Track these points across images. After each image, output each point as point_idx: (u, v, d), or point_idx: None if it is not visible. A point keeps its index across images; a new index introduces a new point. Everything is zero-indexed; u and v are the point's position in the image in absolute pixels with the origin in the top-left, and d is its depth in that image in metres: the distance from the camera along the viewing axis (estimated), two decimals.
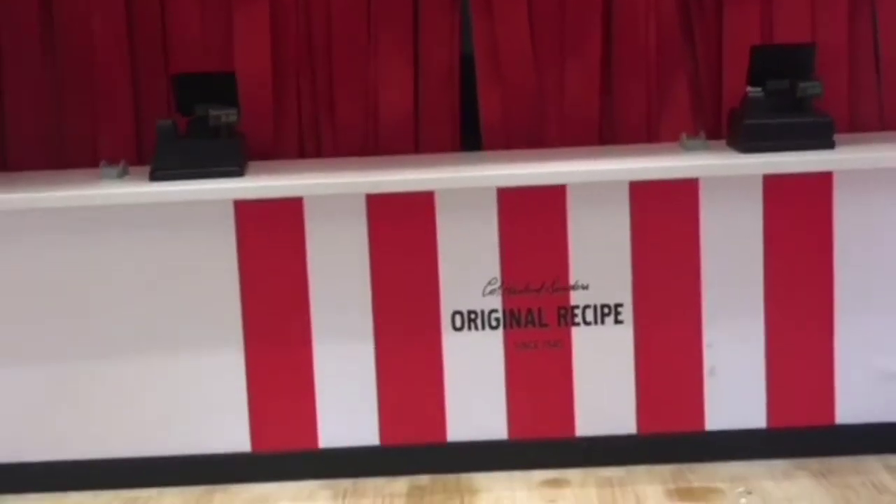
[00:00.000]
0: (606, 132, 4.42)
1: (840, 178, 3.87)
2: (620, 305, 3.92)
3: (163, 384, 3.92)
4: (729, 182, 3.89)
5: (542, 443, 3.97)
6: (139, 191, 3.84)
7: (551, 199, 3.89)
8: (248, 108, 4.11)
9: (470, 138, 4.46)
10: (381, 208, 3.88)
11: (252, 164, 4.09)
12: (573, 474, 3.91)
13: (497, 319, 3.92)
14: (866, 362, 3.92)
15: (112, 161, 4.07)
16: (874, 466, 3.85)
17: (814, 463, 3.89)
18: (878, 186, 3.87)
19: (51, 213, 3.83)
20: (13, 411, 3.93)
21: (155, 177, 3.90)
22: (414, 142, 4.42)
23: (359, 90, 4.39)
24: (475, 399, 3.95)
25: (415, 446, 3.97)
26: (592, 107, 4.39)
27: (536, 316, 3.92)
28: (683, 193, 3.89)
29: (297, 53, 4.40)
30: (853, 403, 3.93)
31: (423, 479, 3.92)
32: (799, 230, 3.90)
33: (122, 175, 4.01)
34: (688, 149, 4.06)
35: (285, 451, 3.96)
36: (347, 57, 4.38)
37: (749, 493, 3.67)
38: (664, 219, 3.91)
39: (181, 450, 3.94)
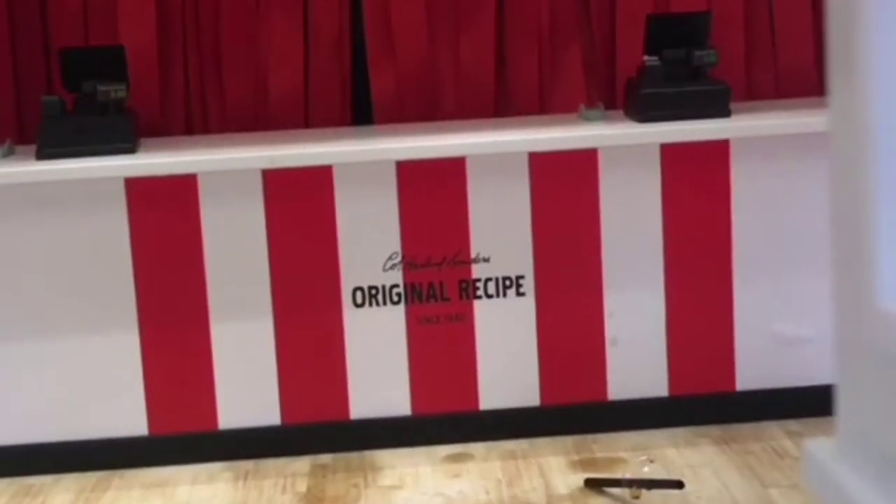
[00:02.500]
0: (501, 104, 4.40)
1: (736, 145, 3.90)
2: (522, 277, 3.90)
3: (54, 367, 3.81)
4: (627, 152, 3.89)
5: (446, 417, 3.95)
6: (29, 169, 3.73)
7: (451, 171, 3.86)
8: (133, 82, 4.00)
9: (360, 112, 4.40)
10: (277, 184, 3.81)
11: (143, 141, 3.98)
12: (477, 448, 3.90)
13: (398, 294, 3.88)
14: (765, 329, 3.95)
15: None
16: (775, 432, 3.89)
17: (715, 430, 3.92)
18: (775, 154, 3.90)
19: None
20: None
21: (42, 155, 3.78)
22: (304, 116, 4.35)
23: (247, 63, 4.32)
24: (377, 375, 3.91)
25: (317, 424, 3.92)
26: (487, 79, 4.36)
27: (438, 290, 3.89)
28: (582, 164, 3.88)
29: (183, 25, 4.31)
30: (753, 370, 3.96)
31: (326, 458, 3.88)
32: (697, 198, 3.91)
33: (8, 154, 3.89)
34: (586, 119, 4.05)
35: (184, 433, 3.88)
36: (235, 29, 4.30)
37: (651, 461, 3.68)
38: (564, 190, 3.90)
39: (76, 435, 3.84)
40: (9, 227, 3.75)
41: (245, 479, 3.77)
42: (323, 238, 3.84)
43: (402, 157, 3.85)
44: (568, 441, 3.89)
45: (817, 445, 1.34)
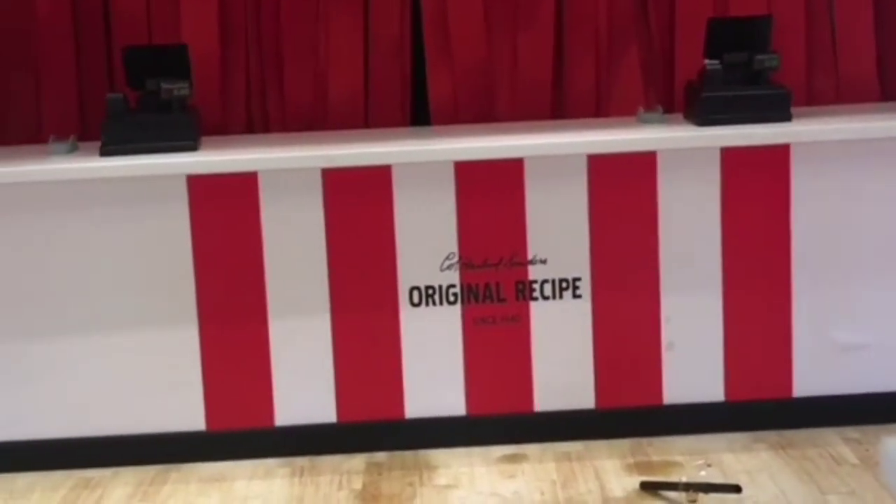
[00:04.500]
0: (558, 106, 4.40)
1: (797, 150, 3.87)
2: (578, 279, 3.90)
3: (115, 362, 3.85)
4: (686, 155, 3.88)
5: (501, 418, 3.95)
6: (93, 165, 3.78)
7: (509, 173, 3.86)
8: (195, 81, 4.03)
9: (416, 113, 4.42)
10: (336, 183, 3.83)
11: (204, 139, 4.02)
12: (532, 449, 3.90)
13: (455, 295, 3.89)
14: (823, 335, 3.93)
15: (60, 136, 3.99)
16: (832, 438, 3.87)
17: (772, 436, 3.90)
18: (835, 158, 3.87)
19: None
20: None
21: (106, 151, 3.82)
22: (363, 116, 4.37)
23: (308, 64, 4.35)
24: (433, 375, 3.92)
25: (372, 423, 3.93)
26: (545, 80, 4.37)
27: (494, 291, 3.89)
28: (641, 167, 3.88)
29: (245, 26, 4.35)
30: (810, 376, 3.94)
31: (381, 456, 3.89)
32: (756, 203, 3.90)
33: (72, 150, 3.94)
34: (645, 122, 4.06)
35: (241, 429, 3.91)
36: (296, 30, 4.34)
37: (708, 465, 3.68)
38: (622, 192, 3.89)
39: (135, 429, 3.87)
40: (71, 222, 3.79)
41: (301, 475, 3.79)
42: (381, 237, 3.86)
43: (461, 157, 3.86)
44: (623, 444, 3.89)
45: None
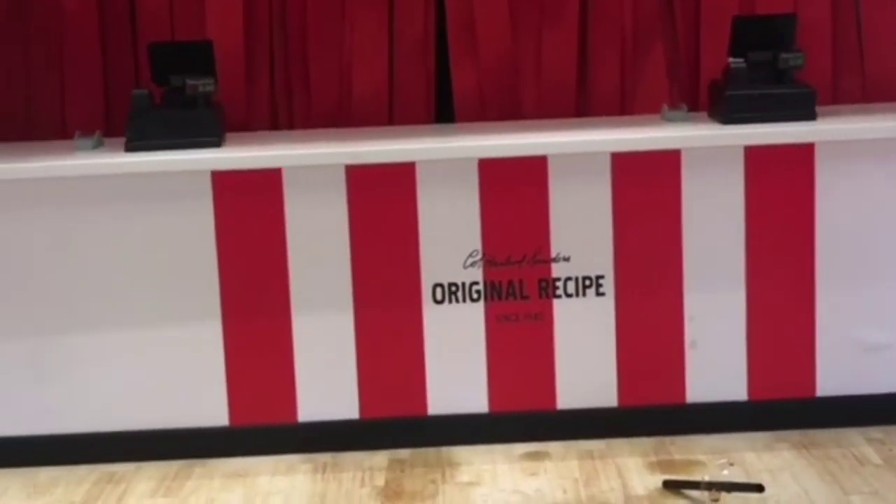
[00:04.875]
0: (582, 104, 4.40)
1: (822, 149, 3.86)
2: (602, 277, 3.90)
3: (138, 357, 3.87)
4: (711, 153, 3.87)
5: (523, 416, 3.95)
6: (118, 161, 3.80)
7: (532, 170, 3.86)
8: (221, 78, 4.05)
9: (441, 110, 4.43)
10: (361, 180, 3.84)
11: (228, 136, 4.03)
12: (554, 447, 3.90)
13: (478, 292, 3.89)
14: (847, 334, 3.92)
15: (85, 132, 4.01)
16: (855, 438, 3.86)
17: (795, 435, 3.89)
18: (860, 158, 3.86)
19: (25, 184, 3.77)
20: None
21: (131, 147, 3.84)
22: (388, 113, 4.38)
23: (333, 61, 4.36)
24: (456, 372, 3.92)
25: (395, 419, 3.94)
26: (569, 78, 4.37)
27: (517, 288, 3.89)
28: (665, 165, 3.87)
29: (270, 23, 4.36)
30: (834, 376, 3.93)
31: (404, 453, 3.90)
32: (781, 202, 3.88)
33: (97, 146, 3.96)
34: (669, 120, 4.05)
35: (264, 424, 3.92)
36: (321, 27, 4.34)
37: (731, 464, 3.67)
38: (646, 190, 3.88)
39: (159, 424, 3.89)
40: (96, 217, 3.81)
41: (324, 471, 3.80)
42: (404, 234, 3.86)
43: (485, 155, 3.86)
44: (646, 442, 3.88)
45: None
